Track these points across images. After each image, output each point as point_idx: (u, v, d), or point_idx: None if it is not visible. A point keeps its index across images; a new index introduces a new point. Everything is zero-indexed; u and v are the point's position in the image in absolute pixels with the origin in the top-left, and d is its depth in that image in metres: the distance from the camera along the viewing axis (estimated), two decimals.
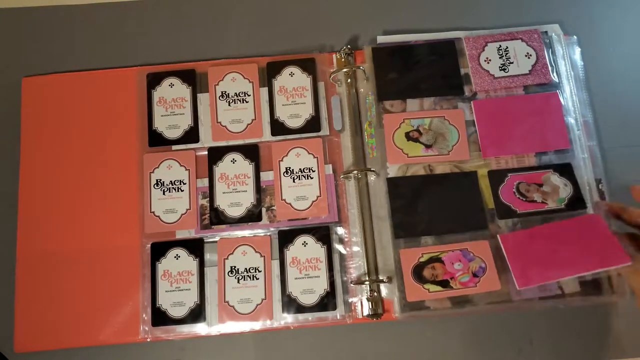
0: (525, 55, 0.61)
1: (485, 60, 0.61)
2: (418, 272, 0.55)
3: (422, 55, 0.62)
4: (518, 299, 0.54)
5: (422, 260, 0.56)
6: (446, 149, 0.59)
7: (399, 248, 0.56)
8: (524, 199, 0.57)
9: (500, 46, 0.62)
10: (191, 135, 0.61)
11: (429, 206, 0.57)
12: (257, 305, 0.56)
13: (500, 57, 0.61)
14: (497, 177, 0.58)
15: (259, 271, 0.57)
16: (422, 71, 0.61)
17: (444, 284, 0.55)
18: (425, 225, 0.57)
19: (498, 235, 0.56)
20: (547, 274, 0.53)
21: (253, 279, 0.57)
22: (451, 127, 0.59)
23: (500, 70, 0.61)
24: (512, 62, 0.61)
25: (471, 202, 0.58)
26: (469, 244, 0.56)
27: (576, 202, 0.57)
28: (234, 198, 0.59)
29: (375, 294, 0.56)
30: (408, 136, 0.59)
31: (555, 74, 0.61)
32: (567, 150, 0.59)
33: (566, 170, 0.58)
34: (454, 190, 0.58)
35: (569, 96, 0.60)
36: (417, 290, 0.55)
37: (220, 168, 0.60)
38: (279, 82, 0.62)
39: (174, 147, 0.61)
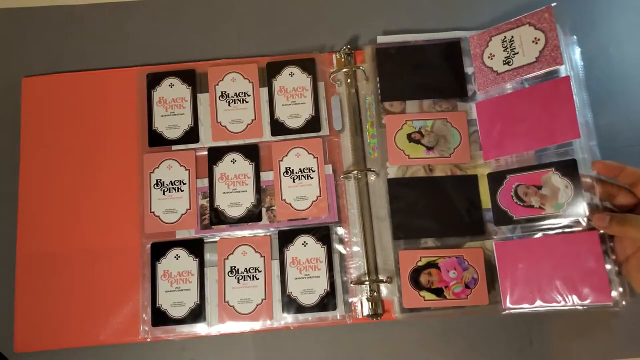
0: (533, 41, 0.57)
1: (489, 57, 0.59)
2: (415, 277, 0.56)
3: (425, 55, 0.61)
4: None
5: (420, 264, 0.56)
6: (447, 152, 0.59)
7: (398, 249, 0.56)
8: (522, 204, 0.56)
9: (504, 37, 0.59)
10: (191, 135, 0.61)
11: (429, 208, 0.57)
12: (257, 305, 0.56)
13: (504, 50, 0.59)
14: (496, 179, 0.57)
15: (259, 271, 0.57)
16: (425, 72, 0.61)
17: (439, 292, 0.55)
18: (424, 227, 0.57)
19: (494, 243, 0.56)
20: (533, 299, 0.53)
21: (253, 279, 0.57)
22: (453, 130, 0.59)
23: (504, 64, 0.58)
24: (517, 53, 0.58)
25: (470, 206, 0.57)
26: (464, 250, 0.56)
27: (575, 208, 0.53)
28: (234, 198, 0.59)
29: (375, 294, 0.56)
30: (410, 138, 0.59)
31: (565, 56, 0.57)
32: (571, 144, 0.55)
33: (570, 168, 0.54)
34: (453, 192, 0.58)
35: None
36: (414, 297, 0.55)
37: (220, 168, 0.60)
38: (279, 82, 0.62)
39: (174, 147, 0.61)
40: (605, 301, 0.52)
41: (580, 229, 0.54)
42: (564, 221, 0.54)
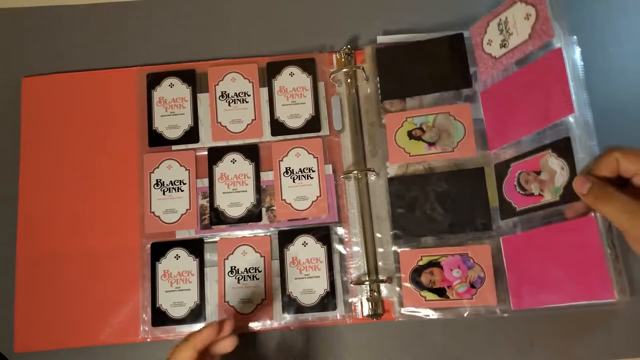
0: (525, 18, 0.54)
1: (487, 43, 0.57)
2: (416, 277, 0.55)
3: (425, 51, 0.60)
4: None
5: (421, 263, 0.55)
6: (450, 146, 0.57)
7: (398, 249, 0.56)
8: (523, 193, 0.52)
9: (500, 20, 0.56)
10: (191, 135, 0.61)
11: (431, 205, 0.56)
12: (257, 305, 0.56)
13: (500, 33, 0.56)
14: (501, 170, 0.54)
15: (259, 271, 0.57)
16: (426, 67, 0.59)
17: (441, 292, 0.54)
18: (426, 225, 0.56)
19: (501, 238, 0.53)
20: (539, 298, 0.50)
21: (253, 279, 0.57)
22: (457, 123, 0.58)
23: (501, 47, 0.55)
24: (512, 33, 0.55)
25: (475, 201, 0.55)
26: (470, 248, 0.54)
27: (571, 191, 0.47)
28: (234, 198, 0.59)
29: (375, 294, 0.56)
30: (410, 134, 0.58)
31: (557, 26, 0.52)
32: (566, 122, 0.50)
33: (564, 148, 0.50)
34: (458, 188, 0.56)
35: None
36: (415, 297, 0.54)
37: (220, 168, 0.60)
38: (279, 82, 0.62)
39: (174, 147, 0.61)
40: (606, 297, 0.46)
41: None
42: (562, 207, 0.49)
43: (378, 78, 0.61)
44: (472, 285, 0.53)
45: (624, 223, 0.43)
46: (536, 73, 0.53)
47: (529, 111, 0.53)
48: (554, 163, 0.50)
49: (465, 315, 0.55)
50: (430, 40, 0.61)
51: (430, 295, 0.54)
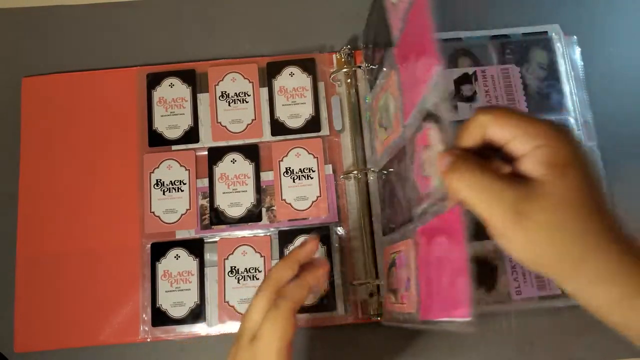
0: None
1: None
2: (389, 276, 0.52)
3: (372, 20, 0.53)
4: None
5: (390, 262, 0.51)
6: (390, 125, 0.48)
7: (383, 246, 0.54)
8: (424, 174, 0.39)
9: None
10: (191, 135, 0.61)
11: (389, 198, 0.50)
12: None
13: None
14: (411, 146, 0.42)
15: (259, 271, 0.57)
16: (379, 39, 0.51)
17: (395, 293, 0.48)
18: (391, 219, 0.51)
19: (416, 229, 0.41)
20: (433, 307, 0.37)
21: (253, 279, 0.57)
22: (390, 96, 0.48)
23: None
24: None
25: (407, 187, 0.44)
26: (403, 243, 0.45)
27: None
28: (234, 198, 0.59)
29: (375, 294, 0.56)
30: (379, 122, 0.55)
31: None
32: (437, 73, 0.35)
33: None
34: (396, 175, 0.48)
35: (569, 96, 0.60)
36: (388, 298, 0.51)
37: (220, 168, 0.60)
38: (279, 82, 0.62)
39: (174, 147, 0.61)
40: (459, 315, 0.32)
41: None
42: (439, 195, 0.36)
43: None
44: (406, 288, 0.43)
45: (481, 207, 0.30)
46: (413, 20, 0.39)
47: (416, 67, 0.39)
48: (434, 136, 0.37)
49: (385, 324, 0.49)
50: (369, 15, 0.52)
51: (392, 297, 0.49)
